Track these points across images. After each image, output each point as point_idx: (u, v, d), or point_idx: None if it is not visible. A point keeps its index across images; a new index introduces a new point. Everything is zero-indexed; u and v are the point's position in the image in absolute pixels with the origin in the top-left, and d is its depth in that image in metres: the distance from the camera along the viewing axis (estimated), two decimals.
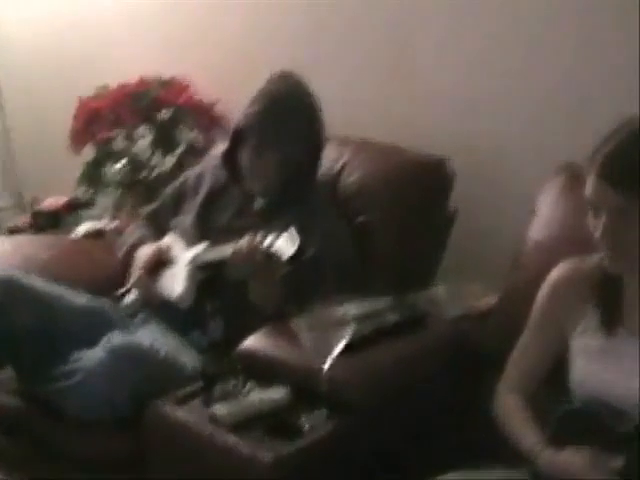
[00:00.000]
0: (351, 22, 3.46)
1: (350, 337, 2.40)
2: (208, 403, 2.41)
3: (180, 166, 3.65)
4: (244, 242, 2.64)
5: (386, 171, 3.07)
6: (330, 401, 2.35)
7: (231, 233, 2.87)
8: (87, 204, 3.86)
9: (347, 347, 2.40)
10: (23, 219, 4.08)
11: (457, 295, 2.84)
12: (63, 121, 3.74)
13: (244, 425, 2.33)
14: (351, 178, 3.08)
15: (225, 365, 2.50)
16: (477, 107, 3.17)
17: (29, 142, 4.43)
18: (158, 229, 3.15)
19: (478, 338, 2.63)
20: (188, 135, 3.67)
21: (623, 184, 2.04)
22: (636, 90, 2.75)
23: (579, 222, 2.48)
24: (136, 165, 3.68)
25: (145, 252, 2.99)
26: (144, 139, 3.66)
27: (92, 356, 2.58)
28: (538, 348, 2.32)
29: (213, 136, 3.68)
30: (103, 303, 2.94)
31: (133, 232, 3.18)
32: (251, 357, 2.55)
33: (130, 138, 3.66)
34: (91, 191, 3.76)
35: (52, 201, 3.89)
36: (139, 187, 3.68)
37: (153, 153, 3.68)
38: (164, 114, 3.64)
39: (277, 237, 2.59)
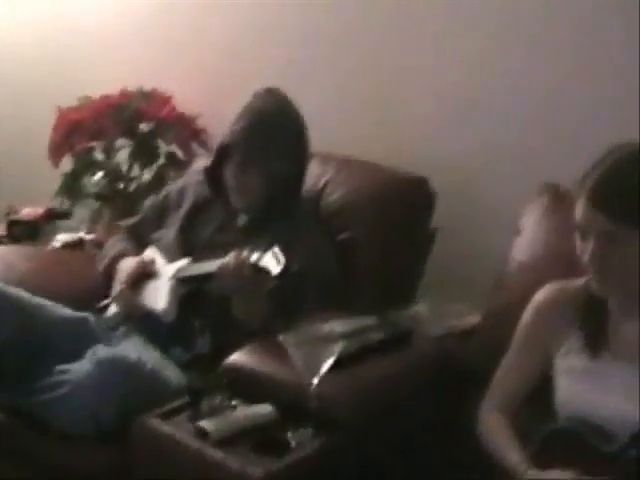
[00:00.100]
0: (335, 40, 3.48)
1: (338, 354, 2.41)
2: (194, 418, 2.41)
3: (160, 179, 3.66)
4: (232, 256, 2.64)
5: (369, 189, 3.09)
6: (318, 418, 2.36)
7: (214, 248, 2.88)
8: (64, 215, 3.84)
9: (334, 364, 2.41)
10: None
11: (440, 313, 2.86)
12: (43, 130, 3.72)
13: (231, 440, 2.34)
14: (334, 195, 3.10)
15: (211, 380, 2.50)
16: (459, 126, 3.20)
17: (7, 151, 4.40)
18: (139, 242, 3.15)
19: (462, 356, 2.65)
20: (168, 148, 3.67)
21: (612, 210, 2.08)
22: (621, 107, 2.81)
23: (563, 243, 2.53)
24: (115, 177, 3.67)
25: (127, 265, 2.99)
26: (123, 151, 3.66)
27: (79, 369, 2.58)
28: (522, 368, 2.35)
29: (194, 149, 3.68)
30: (85, 315, 2.92)
31: (114, 245, 3.17)
32: (236, 372, 2.55)
33: (109, 150, 3.65)
34: (68, 202, 3.74)
35: (30, 211, 3.86)
36: (118, 199, 3.68)
37: (132, 165, 3.68)
38: (144, 126, 3.63)
39: (264, 253, 2.59)
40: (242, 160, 2.90)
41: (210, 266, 2.74)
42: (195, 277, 2.81)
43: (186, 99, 3.75)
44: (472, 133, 3.17)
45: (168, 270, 2.90)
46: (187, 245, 3.00)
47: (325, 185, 3.13)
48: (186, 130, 3.65)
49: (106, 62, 4.06)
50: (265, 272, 2.58)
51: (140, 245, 3.13)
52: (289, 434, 2.35)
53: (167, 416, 2.46)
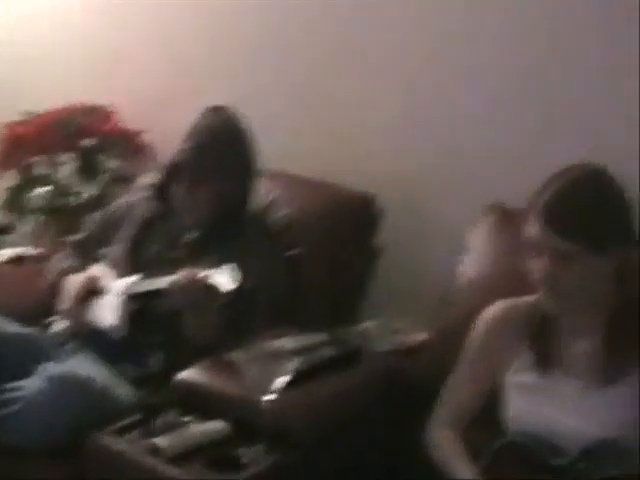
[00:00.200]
0: (282, 55, 3.49)
1: (294, 372, 2.43)
2: (147, 435, 2.41)
3: (104, 194, 3.64)
4: (184, 273, 2.65)
5: (316, 206, 3.12)
6: (270, 434, 2.38)
7: (163, 264, 2.89)
8: (7, 230, 3.80)
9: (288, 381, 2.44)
10: None
11: (387, 330, 2.90)
12: None
13: (184, 457, 2.34)
14: (282, 212, 3.12)
15: (164, 397, 2.50)
16: (407, 144, 3.24)
17: None
18: (85, 258, 3.12)
19: (411, 372, 2.68)
20: (112, 163, 3.66)
21: (565, 229, 2.13)
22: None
23: (510, 262, 2.59)
24: (59, 192, 3.65)
25: (75, 281, 2.97)
26: (67, 166, 3.64)
27: (31, 385, 2.57)
28: (471, 384, 2.39)
29: (138, 164, 3.67)
30: (32, 331, 2.91)
31: (60, 260, 3.15)
32: (187, 389, 2.56)
33: (53, 165, 3.63)
34: (11, 216, 3.71)
35: None
36: (62, 214, 3.65)
37: (76, 180, 3.66)
38: (88, 142, 3.62)
39: (217, 270, 2.61)
40: (191, 179, 2.91)
41: (160, 282, 2.74)
42: (145, 293, 2.81)
43: (130, 114, 3.74)
44: (419, 151, 3.21)
45: (117, 286, 2.89)
46: (136, 261, 2.99)
47: (273, 202, 3.14)
48: (130, 145, 3.63)
49: (46, 76, 4.03)
50: (217, 289, 2.59)
51: (87, 261, 3.10)
52: (242, 450, 2.36)
53: (120, 433, 2.46)
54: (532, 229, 2.18)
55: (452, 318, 2.68)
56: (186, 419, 2.46)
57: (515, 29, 2.98)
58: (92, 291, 2.94)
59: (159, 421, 2.43)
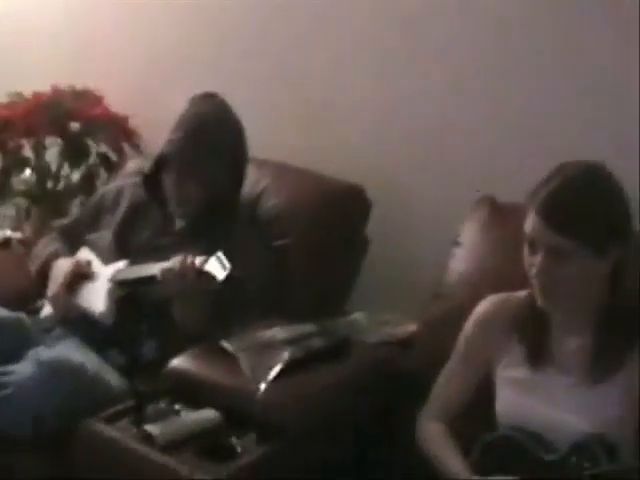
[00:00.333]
0: (270, 44, 3.49)
1: (286, 361, 2.43)
2: (139, 422, 2.41)
3: (89, 179, 3.63)
4: (177, 260, 2.64)
5: (306, 196, 3.11)
6: (262, 423, 2.38)
7: (151, 251, 2.89)
8: None
9: (280, 371, 2.44)
10: None
11: (375, 322, 2.91)
12: None
13: (176, 445, 2.34)
14: (271, 201, 3.12)
15: (155, 385, 2.50)
16: (396, 135, 3.24)
17: None
18: (71, 243, 3.11)
19: (400, 364, 2.69)
20: (99, 148, 3.65)
21: (562, 226, 2.13)
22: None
23: (501, 255, 2.61)
24: (44, 176, 3.63)
25: (63, 265, 2.95)
26: (53, 150, 3.62)
27: (21, 370, 2.56)
28: (462, 379, 2.40)
29: (125, 150, 3.65)
30: (20, 316, 2.89)
31: (46, 245, 3.14)
32: (179, 377, 2.55)
33: (39, 148, 3.61)
34: None
35: None
36: (46, 198, 3.63)
37: (62, 164, 3.64)
38: (75, 126, 3.60)
39: (208, 258, 2.60)
40: (181, 170, 2.89)
41: (151, 269, 2.73)
42: (135, 280, 2.80)
43: (117, 99, 3.72)
44: (409, 142, 3.21)
45: (105, 272, 2.89)
46: (123, 247, 2.98)
47: (262, 191, 3.14)
48: (118, 131, 3.62)
49: (36, 58, 4.01)
50: (209, 277, 2.59)
51: (73, 246, 3.09)
52: (233, 439, 2.36)
53: (111, 420, 2.45)
54: (529, 224, 2.19)
55: (442, 311, 2.70)
56: (177, 407, 2.46)
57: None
58: (80, 276, 2.92)
59: (150, 409, 2.43)
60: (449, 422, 2.38)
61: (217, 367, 2.55)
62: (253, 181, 3.13)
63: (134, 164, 3.41)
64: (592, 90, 2.84)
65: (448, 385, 2.42)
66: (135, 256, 2.90)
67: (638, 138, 2.72)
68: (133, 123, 3.71)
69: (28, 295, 3.08)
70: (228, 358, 2.55)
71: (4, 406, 2.50)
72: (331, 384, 2.55)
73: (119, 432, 2.40)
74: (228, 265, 2.56)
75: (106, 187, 3.25)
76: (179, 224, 2.98)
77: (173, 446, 2.33)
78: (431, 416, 2.41)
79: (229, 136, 2.93)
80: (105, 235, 3.04)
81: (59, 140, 3.63)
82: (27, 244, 3.49)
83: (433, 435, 2.38)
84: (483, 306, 2.40)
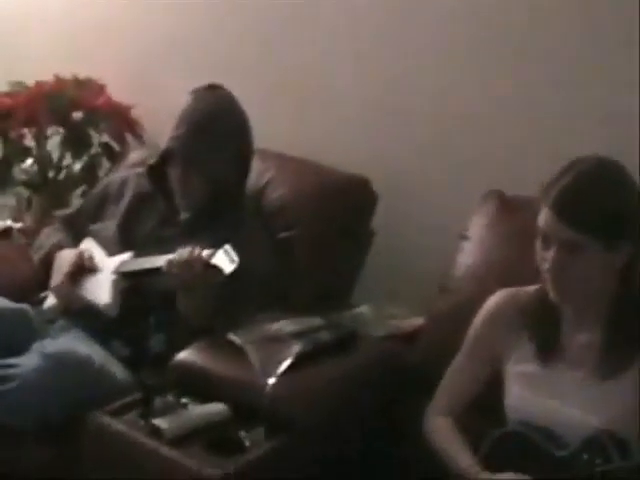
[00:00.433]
0: (274, 33, 3.46)
1: (296, 355, 2.42)
2: (146, 415, 2.39)
3: (91, 169, 3.61)
4: (184, 252, 2.62)
5: (310, 188, 3.09)
6: (271, 417, 2.36)
7: (155, 242, 2.87)
8: None
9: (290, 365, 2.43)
10: None
11: (381, 315, 2.90)
12: None
13: (184, 439, 2.32)
14: (276, 193, 3.09)
15: (164, 378, 2.48)
16: (401, 128, 3.22)
17: None
18: (75, 234, 3.09)
19: (406, 358, 2.68)
20: (101, 138, 3.62)
21: (576, 220, 2.12)
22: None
23: (510, 249, 2.60)
24: (45, 166, 3.61)
25: (67, 256, 2.92)
26: (55, 139, 3.60)
27: (27, 362, 2.54)
28: (470, 373, 2.40)
29: (128, 140, 3.63)
30: (24, 307, 2.87)
31: (49, 235, 3.11)
32: (186, 370, 2.54)
33: (41, 138, 3.58)
34: None
35: None
36: (47, 188, 3.61)
37: (63, 154, 3.62)
38: (77, 115, 3.57)
39: (216, 250, 2.58)
40: (186, 166, 2.86)
41: (157, 261, 2.70)
42: (140, 272, 2.77)
43: (117, 89, 3.69)
44: (415, 135, 3.19)
45: (110, 263, 2.86)
46: (128, 238, 2.96)
47: (268, 183, 3.12)
48: (121, 120, 3.59)
49: (37, 47, 3.98)
50: (216, 270, 2.57)
51: (76, 237, 3.07)
52: (242, 433, 2.35)
53: (118, 413, 2.44)
54: (542, 219, 2.18)
55: (450, 305, 2.69)
56: (184, 401, 2.44)
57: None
58: (84, 267, 2.89)
59: (158, 402, 2.41)
60: (457, 417, 2.38)
61: (224, 360, 2.54)
62: (258, 172, 3.11)
63: (137, 155, 3.39)
64: (600, 87, 2.83)
65: (456, 379, 2.41)
66: (139, 247, 2.88)
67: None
68: (135, 113, 3.67)
69: (30, 286, 3.05)
70: (235, 351, 2.53)
71: (9, 399, 2.47)
72: (338, 377, 2.54)
73: (126, 425, 2.39)
74: (236, 259, 2.55)
75: (110, 177, 3.23)
76: (184, 215, 2.96)
77: (181, 440, 2.32)
78: (439, 410, 2.40)
79: (233, 129, 2.90)
80: (109, 225, 3.02)
81: (61, 130, 3.59)
82: (28, 234, 3.47)
83: (441, 429, 2.37)
84: (493, 301, 2.39)
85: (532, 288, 2.33)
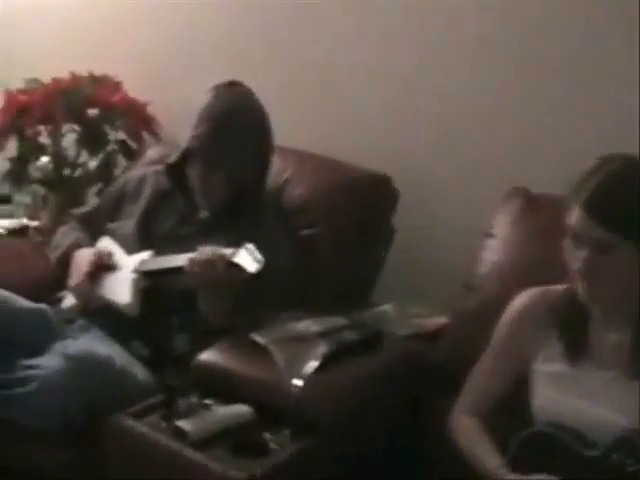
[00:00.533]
0: (291, 29, 3.44)
1: (324, 355, 2.39)
2: (169, 417, 2.36)
3: (107, 167, 3.58)
4: (206, 250, 2.59)
5: (331, 185, 3.07)
6: (297, 419, 2.34)
7: (175, 241, 2.84)
8: (4, 200, 3.74)
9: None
10: None
11: (404, 314, 2.87)
12: None
13: (209, 441, 2.30)
14: (296, 191, 3.06)
15: (186, 379, 2.46)
16: (423, 127, 3.19)
17: None
18: (92, 232, 3.07)
19: (431, 357, 2.66)
20: (118, 135, 3.60)
21: (608, 220, 2.10)
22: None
23: (536, 247, 2.58)
24: (61, 163, 3.58)
25: (85, 255, 2.90)
26: (71, 137, 3.57)
27: (49, 364, 2.50)
28: (497, 373, 2.37)
29: (144, 137, 3.60)
30: (43, 307, 2.84)
31: (66, 234, 3.08)
32: (209, 371, 2.51)
33: (57, 135, 3.56)
34: (11, 187, 3.64)
35: None
36: (63, 186, 3.58)
37: (79, 151, 3.59)
38: (93, 112, 3.54)
39: (238, 249, 2.56)
40: (206, 165, 2.83)
41: (178, 260, 2.67)
42: (161, 271, 2.74)
43: (135, 86, 3.67)
44: (438, 133, 3.17)
45: (129, 262, 2.83)
46: (147, 236, 2.93)
47: (288, 180, 3.09)
48: (137, 118, 3.56)
49: (53, 44, 3.96)
50: (238, 269, 2.54)
51: (93, 235, 3.05)
52: (267, 435, 2.32)
53: (140, 415, 2.41)
54: (573, 218, 2.15)
55: (474, 303, 2.66)
56: (208, 402, 2.41)
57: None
58: (102, 266, 2.87)
59: (181, 403, 2.38)
60: (483, 416, 2.35)
61: (248, 360, 2.52)
62: (278, 170, 3.08)
63: (154, 152, 3.37)
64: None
65: (483, 379, 2.38)
66: (159, 246, 2.85)
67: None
68: (151, 110, 3.64)
69: (46, 284, 3.03)
70: (258, 351, 2.51)
71: (31, 400, 2.45)
72: (363, 377, 2.53)
73: (149, 428, 2.36)
74: (260, 257, 2.52)
75: (127, 175, 3.20)
76: (203, 214, 2.93)
77: (205, 442, 2.29)
78: (465, 410, 2.38)
79: (253, 127, 2.86)
80: (127, 224, 2.99)
81: (77, 127, 3.56)
82: (44, 232, 3.45)
83: (467, 429, 2.35)
84: (520, 300, 2.37)
85: (561, 287, 2.31)
